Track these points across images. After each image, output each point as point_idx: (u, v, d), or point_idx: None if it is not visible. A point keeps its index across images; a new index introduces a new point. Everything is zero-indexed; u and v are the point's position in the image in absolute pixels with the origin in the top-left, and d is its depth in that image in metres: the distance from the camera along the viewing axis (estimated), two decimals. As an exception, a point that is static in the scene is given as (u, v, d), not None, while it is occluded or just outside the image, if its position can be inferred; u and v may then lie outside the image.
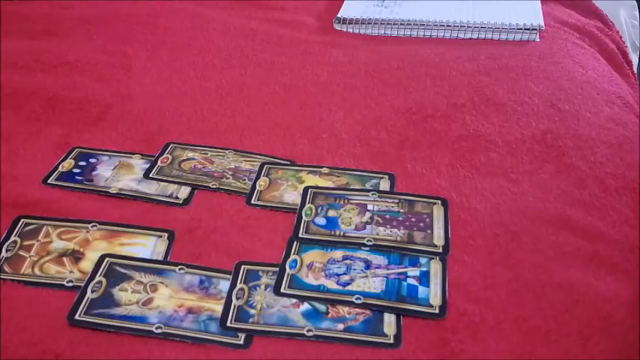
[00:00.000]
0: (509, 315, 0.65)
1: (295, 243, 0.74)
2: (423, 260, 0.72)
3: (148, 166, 0.85)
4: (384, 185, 0.83)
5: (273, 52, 1.14)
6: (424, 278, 0.69)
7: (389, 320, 0.65)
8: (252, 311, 0.65)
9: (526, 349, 0.62)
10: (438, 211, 0.78)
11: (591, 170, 0.85)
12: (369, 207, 0.79)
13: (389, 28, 1.22)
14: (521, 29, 1.19)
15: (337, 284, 0.68)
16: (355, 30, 1.23)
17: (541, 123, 0.94)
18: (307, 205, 0.79)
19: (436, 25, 1.20)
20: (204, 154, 0.88)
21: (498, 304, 0.67)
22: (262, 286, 0.68)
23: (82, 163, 0.86)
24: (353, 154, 0.88)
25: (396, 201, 0.80)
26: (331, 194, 0.81)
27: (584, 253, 0.73)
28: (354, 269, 0.70)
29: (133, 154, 0.88)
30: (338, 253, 0.72)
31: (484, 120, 0.94)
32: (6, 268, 0.70)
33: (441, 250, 0.73)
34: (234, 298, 0.67)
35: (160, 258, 0.72)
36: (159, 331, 0.63)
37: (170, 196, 0.81)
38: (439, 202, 0.79)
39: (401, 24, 1.21)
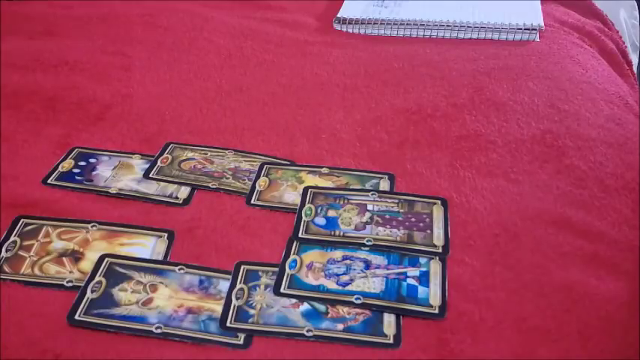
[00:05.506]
0: (509, 315, 0.65)
1: (295, 243, 0.74)
2: (422, 260, 0.72)
3: (147, 166, 0.85)
4: (384, 185, 0.83)
5: (273, 52, 1.14)
6: (424, 278, 0.69)
7: (389, 320, 0.65)
8: (252, 311, 0.65)
9: (526, 349, 0.62)
10: (437, 211, 0.78)
11: (591, 170, 0.85)
12: (369, 207, 0.79)
13: (389, 28, 1.22)
14: (521, 29, 1.18)
15: (337, 284, 0.68)
16: (355, 30, 1.23)
17: (541, 123, 0.94)
18: (307, 205, 0.79)
19: (436, 25, 1.20)
20: (204, 154, 0.88)
21: (498, 304, 0.67)
22: (262, 286, 0.68)
23: (82, 163, 0.86)
24: (353, 154, 0.88)
25: (396, 201, 0.80)
26: (331, 194, 0.81)
27: (584, 253, 0.72)
28: (354, 269, 0.70)
29: (133, 154, 0.88)
30: (338, 253, 0.72)
31: (484, 120, 0.94)
32: (6, 268, 0.70)
33: (440, 250, 0.73)
34: (233, 298, 0.67)
35: (160, 258, 0.72)
36: (159, 331, 0.63)
37: (170, 196, 0.81)
38: (439, 202, 0.79)
39: (401, 24, 1.21)
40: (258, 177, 0.84)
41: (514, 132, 0.92)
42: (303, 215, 0.77)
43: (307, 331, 0.64)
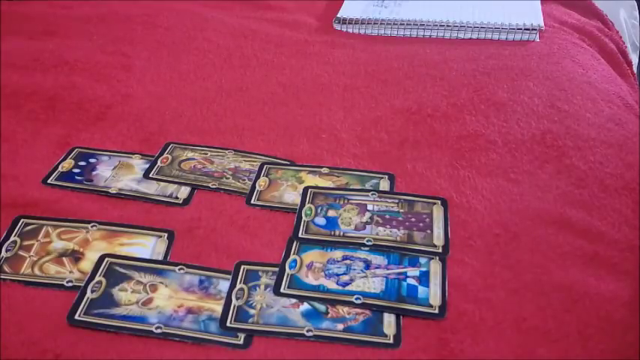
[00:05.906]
0: (509, 315, 0.65)
1: (295, 243, 0.74)
2: (422, 260, 0.72)
3: (147, 166, 0.85)
4: (384, 185, 0.83)
5: (273, 52, 1.14)
6: (424, 278, 0.69)
7: (389, 320, 0.65)
8: (252, 311, 0.65)
9: (526, 349, 0.62)
10: (437, 211, 0.78)
11: (591, 170, 0.85)
12: (369, 207, 0.79)
13: (389, 28, 1.22)
14: (521, 29, 1.18)
15: (337, 284, 0.68)
16: (355, 30, 1.23)
17: (541, 123, 0.94)
18: (307, 205, 0.79)
19: (436, 25, 1.20)
20: (204, 154, 0.88)
21: (498, 304, 0.67)
22: (262, 286, 0.68)
23: (82, 163, 0.86)
24: (353, 154, 0.88)
25: (396, 201, 0.80)
26: (331, 194, 0.81)
27: (584, 253, 0.72)
28: (354, 269, 0.70)
29: (133, 154, 0.88)
30: (338, 253, 0.72)
31: (484, 120, 0.94)
32: (6, 268, 0.70)
33: (440, 250, 0.73)
34: (233, 298, 0.67)
35: (160, 258, 0.72)
36: (159, 331, 0.63)
37: (170, 196, 0.81)
38: (439, 202, 0.79)
39: (401, 24, 1.21)
40: (258, 177, 0.84)
41: (514, 132, 0.92)
42: (303, 215, 0.77)
43: (307, 331, 0.64)
